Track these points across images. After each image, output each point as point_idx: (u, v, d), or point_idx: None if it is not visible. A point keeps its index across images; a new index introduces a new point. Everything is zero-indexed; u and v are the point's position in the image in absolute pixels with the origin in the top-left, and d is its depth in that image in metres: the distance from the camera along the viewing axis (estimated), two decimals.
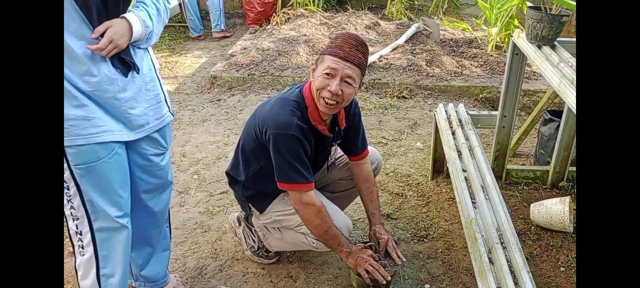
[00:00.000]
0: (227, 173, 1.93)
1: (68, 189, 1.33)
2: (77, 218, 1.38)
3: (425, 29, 4.56)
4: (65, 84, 1.21)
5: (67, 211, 1.37)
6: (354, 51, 1.58)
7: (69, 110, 1.23)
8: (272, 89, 3.83)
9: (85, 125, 1.26)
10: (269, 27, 5.03)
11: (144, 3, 1.34)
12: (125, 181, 1.41)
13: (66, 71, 1.20)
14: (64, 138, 1.24)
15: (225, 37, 5.33)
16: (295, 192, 1.67)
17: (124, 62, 1.29)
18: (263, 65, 4.07)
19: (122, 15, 1.26)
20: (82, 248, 1.42)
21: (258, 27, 5.35)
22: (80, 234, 1.40)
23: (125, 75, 1.30)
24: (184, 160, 2.82)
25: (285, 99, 1.69)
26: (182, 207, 2.38)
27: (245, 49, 4.47)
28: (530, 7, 1.90)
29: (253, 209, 1.90)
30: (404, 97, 3.63)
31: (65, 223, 1.38)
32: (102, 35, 1.21)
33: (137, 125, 1.37)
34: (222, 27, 5.32)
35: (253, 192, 1.85)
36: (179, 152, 2.91)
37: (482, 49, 4.23)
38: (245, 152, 1.79)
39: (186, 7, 5.15)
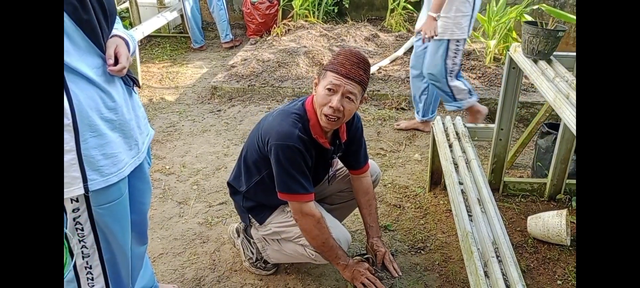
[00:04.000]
0: (228, 183, 1.95)
1: (82, 230, 1.29)
2: (88, 255, 1.34)
3: None
4: (93, 119, 1.20)
5: (76, 249, 1.33)
6: (355, 68, 1.61)
7: (97, 151, 1.22)
8: (272, 100, 3.86)
9: (114, 162, 1.25)
10: (269, 38, 5.07)
11: (118, 22, 1.36)
12: (131, 205, 1.42)
13: (91, 105, 1.19)
14: (96, 181, 1.23)
15: (235, 46, 5.37)
16: (296, 202, 1.70)
17: (127, 79, 1.31)
18: (263, 76, 4.10)
19: (114, 34, 1.28)
20: (92, 280, 1.38)
21: (258, 38, 5.39)
22: (90, 268, 1.36)
23: (131, 94, 1.32)
24: (184, 171, 2.84)
25: (288, 111, 1.72)
26: (181, 218, 2.39)
27: (245, 60, 4.51)
28: (526, 22, 1.92)
29: (253, 220, 1.92)
30: (402, 108, 3.66)
31: (68, 257, 1.36)
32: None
33: (140, 145, 1.38)
34: (231, 37, 5.36)
35: (253, 203, 1.87)
36: (178, 163, 2.93)
37: (480, 61, 4.26)
38: (247, 163, 1.82)
39: (188, 18, 5.19)
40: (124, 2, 5.54)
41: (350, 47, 1.63)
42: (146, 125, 1.44)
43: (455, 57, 2.85)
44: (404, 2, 5.12)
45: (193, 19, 5.24)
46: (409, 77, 4.01)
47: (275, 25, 5.28)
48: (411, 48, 4.50)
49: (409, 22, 5.29)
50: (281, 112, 1.74)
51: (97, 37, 1.19)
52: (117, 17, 1.34)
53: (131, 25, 5.11)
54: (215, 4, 5.16)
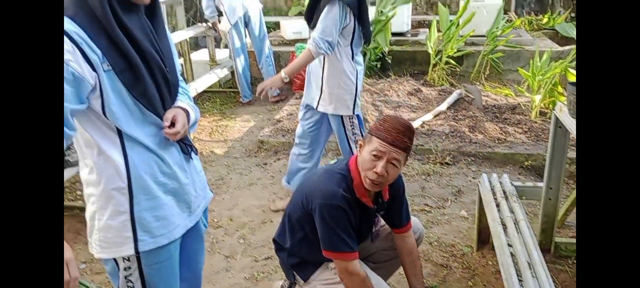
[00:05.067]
0: (274, 240, 2.00)
1: (133, 287, 1.37)
2: None
3: (468, 95, 4.61)
4: (148, 183, 1.29)
5: None
6: (400, 136, 1.66)
7: (149, 214, 1.30)
8: None
9: (165, 224, 1.34)
10: None
11: (184, 89, 1.46)
12: (185, 263, 1.50)
13: (147, 170, 1.29)
14: (146, 242, 1.31)
15: (281, 100, 5.57)
16: (341, 260, 1.73)
17: (184, 146, 1.40)
18: None
19: (178, 105, 1.38)
20: None
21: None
22: None
23: (188, 161, 1.42)
24: (231, 224, 2.92)
25: (332, 171, 1.78)
26: (228, 272, 2.45)
27: (291, 114, 4.65)
28: (570, 83, 1.93)
29: (297, 277, 1.95)
30: (447, 163, 3.65)
31: None
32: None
33: (194, 209, 1.46)
34: (278, 92, 5.57)
35: (298, 259, 1.90)
36: (226, 216, 3.03)
37: (525, 115, 4.22)
38: (292, 220, 1.87)
39: (238, 74, 5.45)
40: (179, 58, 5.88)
41: (394, 115, 1.70)
42: (204, 188, 1.52)
43: (353, 129, 2.77)
44: (446, 56, 5.19)
45: (243, 75, 5.49)
46: (452, 132, 4.02)
47: None
48: (455, 102, 4.53)
49: (451, 76, 5.33)
50: (325, 171, 1.81)
51: (156, 107, 1.28)
52: (186, 87, 1.45)
53: (185, 81, 5.41)
54: (264, 61, 5.40)
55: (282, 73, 2.60)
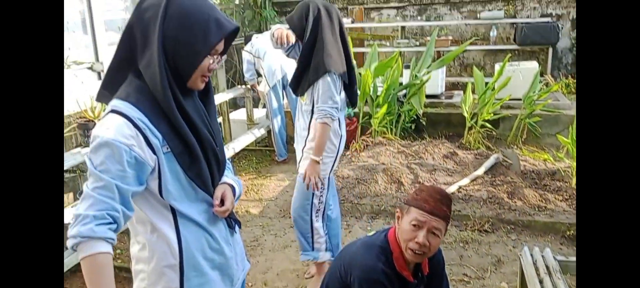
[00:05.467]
0: None
1: None
2: None
3: (505, 160, 4.55)
4: (198, 260, 1.33)
5: None
6: (439, 204, 1.67)
7: None
8: (351, 217, 3.93)
9: None
10: (348, 153, 5.27)
11: (229, 167, 1.53)
12: None
13: (198, 246, 1.33)
14: None
15: None
16: None
17: (230, 221, 1.45)
18: (342, 192, 4.22)
19: (224, 181, 1.44)
20: None
21: None
22: None
23: (232, 235, 1.46)
24: None
25: (371, 244, 1.78)
26: None
27: None
28: None
29: None
30: (485, 231, 3.56)
31: None
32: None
33: (235, 282, 1.49)
34: None
35: None
36: (260, 280, 3.02)
37: (566, 182, 4.11)
38: None
39: (275, 134, 5.57)
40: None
41: (431, 184, 1.72)
42: (243, 260, 1.56)
43: (321, 195, 2.72)
44: (482, 120, 5.17)
45: (279, 135, 5.61)
46: (490, 198, 3.94)
47: (354, 141, 5.50)
48: (492, 166, 4.47)
49: (487, 139, 5.29)
50: (364, 243, 1.81)
51: (208, 186, 1.34)
52: (228, 163, 1.52)
53: (223, 140, 5.57)
54: None
55: (316, 157, 2.56)
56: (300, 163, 2.75)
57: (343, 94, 2.64)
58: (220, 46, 1.30)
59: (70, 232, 1.15)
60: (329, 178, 2.76)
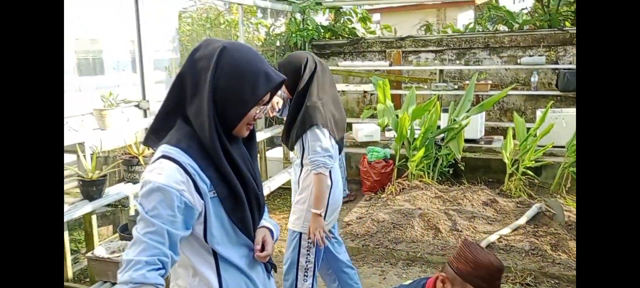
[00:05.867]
0: None
1: None
2: None
3: (548, 210, 4.39)
4: None
5: None
6: (497, 283, 1.65)
7: None
8: (386, 263, 3.85)
9: None
10: (384, 195, 5.21)
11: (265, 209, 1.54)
12: None
13: None
14: None
15: (350, 201, 5.62)
16: None
17: (268, 265, 1.46)
18: (377, 236, 4.16)
19: (263, 225, 1.46)
20: None
21: (373, 194, 5.57)
22: None
23: (268, 278, 1.47)
24: None
25: None
26: None
27: (360, 218, 4.64)
28: None
29: None
30: (528, 284, 3.41)
31: None
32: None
33: None
34: (347, 193, 5.63)
35: None
36: None
37: None
38: None
39: None
40: None
41: (489, 258, 1.67)
42: None
43: (308, 254, 2.56)
44: (524, 167, 5.04)
45: None
46: (533, 249, 3.79)
47: (389, 184, 5.45)
48: (535, 216, 4.31)
49: (529, 187, 5.13)
50: None
51: (250, 230, 1.37)
52: (265, 207, 1.53)
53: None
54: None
55: (317, 210, 2.48)
56: (290, 218, 2.68)
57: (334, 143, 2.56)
58: (267, 96, 1.33)
59: (121, 277, 1.17)
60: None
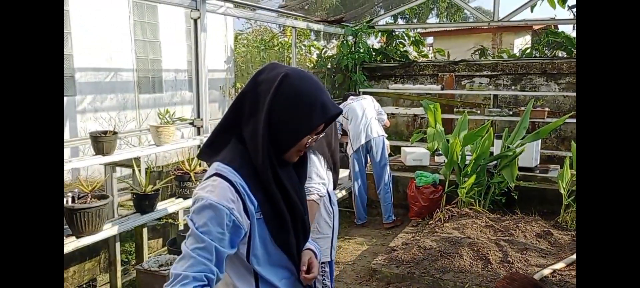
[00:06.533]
0: None
1: None
2: None
3: None
4: None
5: None
6: None
7: None
8: None
9: None
10: (431, 222, 5.09)
11: None
12: None
13: None
14: None
15: (396, 226, 5.54)
16: None
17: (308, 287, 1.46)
18: (424, 264, 4.05)
19: (307, 247, 1.46)
20: None
21: (420, 220, 5.45)
22: None
23: None
24: None
25: None
26: None
27: (406, 244, 4.54)
28: None
29: None
30: None
31: None
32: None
33: None
34: (393, 218, 5.56)
35: None
36: None
37: None
38: None
39: (355, 196, 5.56)
40: None
41: (525, 275, 1.60)
42: None
43: (323, 277, 2.53)
44: None
45: (360, 198, 5.59)
46: None
47: (438, 210, 5.31)
48: None
49: None
50: None
51: (293, 253, 1.37)
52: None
53: None
54: (383, 187, 5.47)
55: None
56: None
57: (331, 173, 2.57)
58: (321, 126, 1.36)
59: None
60: (330, 261, 2.62)
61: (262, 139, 1.27)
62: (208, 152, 1.39)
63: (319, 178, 2.45)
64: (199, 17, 4.43)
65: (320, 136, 1.39)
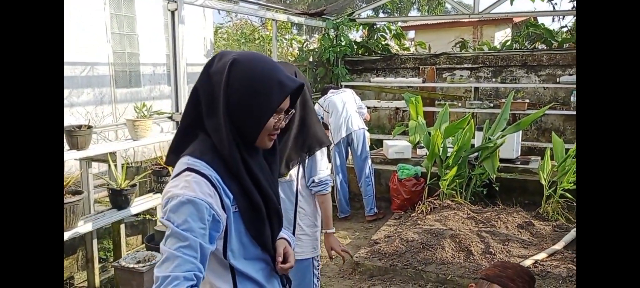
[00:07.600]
0: None
1: None
2: None
3: None
4: None
5: None
6: (526, 286, 1.56)
7: None
8: (414, 284, 3.73)
9: None
10: (413, 214, 5.09)
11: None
12: None
13: None
14: None
15: (378, 219, 5.53)
16: None
17: (285, 278, 1.42)
18: (406, 256, 4.04)
19: (281, 236, 1.42)
20: None
21: (403, 213, 5.45)
22: None
23: None
24: None
25: None
26: None
27: (389, 236, 4.53)
28: None
29: None
30: None
31: None
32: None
33: None
34: (375, 211, 5.54)
35: None
36: None
37: None
38: None
39: (337, 189, 5.54)
40: None
41: (518, 263, 1.61)
42: None
43: (318, 268, 2.58)
44: (562, 190, 4.82)
45: (342, 191, 5.56)
46: (571, 276, 3.60)
47: (420, 202, 5.32)
48: (573, 241, 4.10)
49: (567, 210, 4.90)
50: None
51: (268, 245, 1.34)
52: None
53: None
54: (364, 180, 5.45)
55: (332, 230, 2.56)
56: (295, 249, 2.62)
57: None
58: (286, 104, 1.30)
59: None
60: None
61: (225, 131, 1.22)
62: (173, 156, 1.33)
63: (328, 170, 2.43)
64: (176, 9, 4.32)
65: (290, 114, 1.34)
